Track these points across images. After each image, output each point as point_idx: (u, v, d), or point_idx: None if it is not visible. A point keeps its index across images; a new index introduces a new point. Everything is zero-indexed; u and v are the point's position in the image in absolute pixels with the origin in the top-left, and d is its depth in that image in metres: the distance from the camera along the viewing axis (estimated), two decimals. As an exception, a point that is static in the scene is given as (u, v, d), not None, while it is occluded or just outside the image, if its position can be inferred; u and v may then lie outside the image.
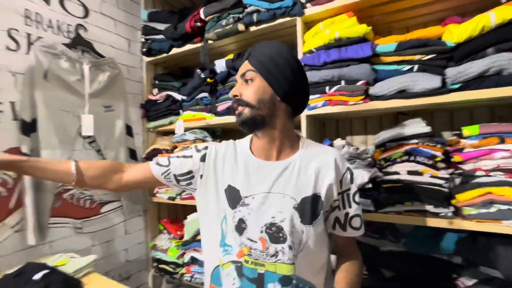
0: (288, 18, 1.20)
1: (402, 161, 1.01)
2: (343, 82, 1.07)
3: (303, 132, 1.18)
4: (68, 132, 1.25)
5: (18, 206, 1.11)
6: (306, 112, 1.17)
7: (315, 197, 0.66)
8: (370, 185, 1.02)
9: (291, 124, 0.73)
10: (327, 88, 1.11)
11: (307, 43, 1.18)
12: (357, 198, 0.72)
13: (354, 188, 0.71)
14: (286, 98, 0.68)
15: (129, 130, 1.54)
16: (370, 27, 1.06)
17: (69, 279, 0.83)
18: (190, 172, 0.74)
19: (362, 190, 1.03)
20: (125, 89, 1.53)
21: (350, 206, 0.70)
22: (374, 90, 1.02)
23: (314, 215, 0.66)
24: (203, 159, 0.74)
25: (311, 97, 1.15)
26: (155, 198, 1.62)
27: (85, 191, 1.36)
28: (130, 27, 1.62)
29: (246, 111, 0.67)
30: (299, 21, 1.19)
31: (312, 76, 1.13)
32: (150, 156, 1.55)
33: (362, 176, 1.01)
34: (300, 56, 1.19)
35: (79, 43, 1.32)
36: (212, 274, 0.72)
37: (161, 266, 1.60)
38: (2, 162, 0.62)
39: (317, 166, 0.68)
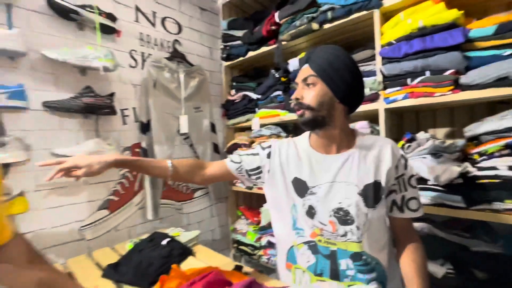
0: (364, 12, 1.20)
1: (502, 155, 0.92)
2: (428, 73, 1.03)
3: (381, 125, 1.18)
4: (171, 130, 1.53)
5: (140, 189, 1.43)
6: (384, 106, 1.16)
7: (376, 184, 0.74)
8: (460, 181, 0.97)
9: (348, 121, 0.80)
10: (408, 80, 1.08)
11: (386, 35, 1.16)
12: (413, 182, 0.76)
13: (409, 173, 0.76)
14: (344, 99, 0.75)
15: (213, 128, 1.77)
16: (462, 12, 0.99)
17: (185, 246, 1.06)
18: (258, 167, 0.86)
19: (450, 186, 0.99)
20: (209, 91, 1.76)
21: (406, 190, 0.75)
22: (466, 79, 0.96)
23: (376, 199, 0.73)
24: (268, 156, 0.85)
25: (390, 90, 1.14)
26: (234, 187, 1.83)
27: (182, 179, 1.64)
28: (211, 37, 1.85)
29: (307, 113, 0.74)
30: (376, 14, 1.18)
31: (392, 68, 1.11)
32: (231, 150, 1.76)
33: (450, 171, 0.96)
34: (377, 49, 1.18)
35: (176, 55, 1.58)
36: (287, 254, 0.83)
37: (241, 247, 1.81)
38: (120, 162, 0.79)
39: (375, 155, 0.76)
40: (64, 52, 1.11)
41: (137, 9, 1.44)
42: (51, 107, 1.09)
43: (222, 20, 1.83)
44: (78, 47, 1.17)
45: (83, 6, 1.17)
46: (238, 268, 0.86)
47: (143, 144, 1.42)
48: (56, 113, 1.14)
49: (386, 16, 1.20)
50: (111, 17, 1.27)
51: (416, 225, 1.15)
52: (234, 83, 1.88)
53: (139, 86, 1.44)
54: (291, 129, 1.74)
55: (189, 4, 1.70)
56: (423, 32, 1.05)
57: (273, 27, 1.50)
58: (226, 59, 1.82)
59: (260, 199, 2.08)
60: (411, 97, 1.08)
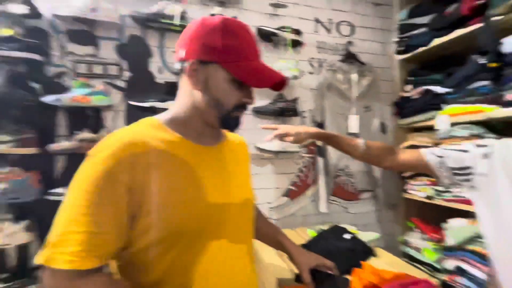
0: None
1: None
2: None
3: None
4: (341, 130, 1.58)
5: (313, 183, 1.57)
6: None
7: None
8: None
9: None
10: None
11: None
12: None
13: None
14: None
15: (383, 127, 1.66)
16: None
17: (367, 245, 1.06)
18: (468, 167, 0.73)
19: None
20: (380, 89, 1.67)
21: None
22: None
23: None
24: (485, 156, 0.71)
25: None
26: (407, 194, 1.63)
27: (350, 179, 1.65)
28: (383, 31, 1.74)
29: None
30: None
31: None
32: (405, 152, 1.58)
33: None
34: None
35: (348, 57, 1.62)
36: None
37: (414, 263, 1.59)
38: (322, 135, 0.90)
39: None
40: (266, 68, 1.39)
41: (316, 20, 1.59)
42: (258, 111, 1.41)
43: (397, 11, 1.68)
44: (273, 62, 1.44)
45: (279, 28, 1.43)
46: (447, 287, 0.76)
47: (318, 142, 1.54)
48: (259, 116, 1.46)
49: None
50: (298, 32, 1.47)
51: None
52: (412, 78, 1.67)
53: (315, 90, 1.58)
54: (500, 129, 1.34)
55: (363, 2, 1.68)
56: None
57: (480, 1, 1.21)
58: (403, 52, 1.65)
59: (440, 212, 1.73)
60: None
